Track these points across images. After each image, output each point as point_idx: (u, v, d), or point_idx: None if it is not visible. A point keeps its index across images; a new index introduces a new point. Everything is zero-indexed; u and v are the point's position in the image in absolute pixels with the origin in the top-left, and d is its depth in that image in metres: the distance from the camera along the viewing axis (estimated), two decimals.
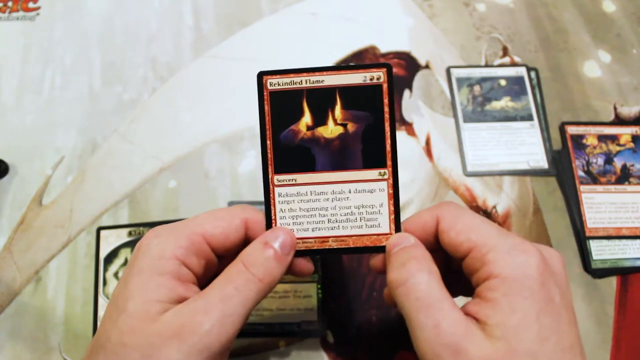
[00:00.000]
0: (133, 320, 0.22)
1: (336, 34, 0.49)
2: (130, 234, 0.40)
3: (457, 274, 0.25)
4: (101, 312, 0.37)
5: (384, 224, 0.26)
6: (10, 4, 0.51)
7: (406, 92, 0.46)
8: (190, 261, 0.24)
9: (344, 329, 0.37)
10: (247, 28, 0.49)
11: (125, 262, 0.38)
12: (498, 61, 0.48)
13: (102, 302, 0.38)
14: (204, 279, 0.26)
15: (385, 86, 0.25)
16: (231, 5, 0.51)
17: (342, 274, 0.39)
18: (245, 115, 0.45)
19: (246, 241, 0.26)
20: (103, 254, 0.39)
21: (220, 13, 0.50)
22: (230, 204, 0.41)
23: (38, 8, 0.50)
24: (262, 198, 0.41)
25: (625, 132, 0.44)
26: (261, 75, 0.26)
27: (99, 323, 0.37)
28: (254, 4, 0.51)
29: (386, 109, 0.25)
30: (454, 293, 0.24)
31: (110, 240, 0.39)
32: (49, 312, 0.37)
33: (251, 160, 0.43)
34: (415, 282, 0.23)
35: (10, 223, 0.40)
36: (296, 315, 0.37)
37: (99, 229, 0.40)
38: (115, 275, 0.38)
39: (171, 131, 0.44)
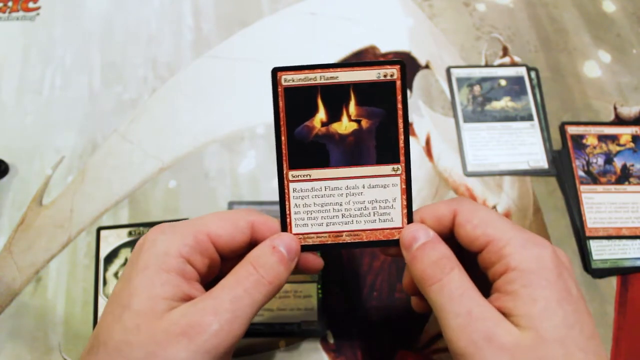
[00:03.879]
0: (138, 317, 0.22)
1: (336, 34, 0.49)
2: (130, 234, 0.40)
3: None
4: (101, 312, 0.37)
5: (397, 218, 0.26)
6: (10, 4, 0.51)
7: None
8: (195, 260, 0.24)
9: (344, 329, 0.37)
10: (247, 28, 0.49)
11: (125, 262, 0.38)
12: (498, 61, 0.48)
13: (102, 302, 0.38)
14: (207, 279, 0.26)
15: (398, 83, 0.26)
16: (231, 5, 0.51)
17: (342, 273, 0.39)
18: (245, 115, 0.45)
19: (251, 244, 0.26)
20: (103, 254, 0.39)
21: (220, 13, 0.50)
22: (230, 204, 0.41)
23: (38, 8, 0.50)
24: (262, 198, 0.42)
25: (625, 132, 0.44)
26: (275, 72, 0.26)
27: None
28: (254, 4, 0.51)
29: (399, 105, 0.26)
30: None
31: (110, 240, 0.39)
32: (49, 312, 0.37)
33: (251, 160, 0.43)
34: (450, 279, 0.23)
35: (10, 223, 0.40)
36: (296, 315, 0.37)
37: (99, 229, 0.40)
38: (116, 275, 0.38)
39: (171, 131, 0.44)
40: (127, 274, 0.24)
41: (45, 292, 0.38)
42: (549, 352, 0.21)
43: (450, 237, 0.26)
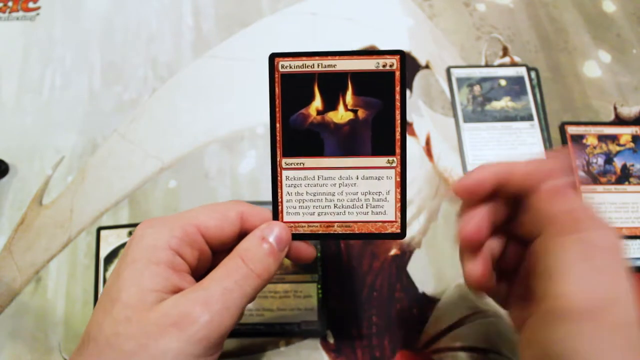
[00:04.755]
0: (128, 310, 0.22)
1: (336, 34, 0.49)
2: (130, 234, 0.40)
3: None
4: None
5: (390, 212, 0.26)
6: (10, 4, 0.51)
7: (406, 92, 0.46)
8: (184, 251, 0.24)
9: (344, 329, 0.37)
10: (247, 28, 0.49)
11: None
12: (498, 61, 0.48)
13: None
14: (197, 271, 0.26)
15: (397, 74, 0.25)
16: (231, 5, 0.51)
17: (342, 274, 0.39)
18: (245, 115, 0.45)
19: (240, 235, 0.26)
20: (103, 254, 0.39)
21: (220, 13, 0.50)
22: None
23: (38, 8, 0.50)
24: (262, 198, 0.42)
25: (625, 132, 0.44)
26: (273, 57, 0.25)
27: None
28: (254, 4, 0.51)
29: (397, 96, 0.25)
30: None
31: (110, 240, 0.39)
32: (49, 312, 0.37)
33: (251, 160, 0.43)
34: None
35: (10, 223, 0.40)
36: (296, 315, 0.37)
37: (99, 229, 0.40)
38: None
39: (171, 131, 0.44)
40: (117, 269, 0.24)
41: (45, 292, 0.38)
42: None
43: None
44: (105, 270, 0.38)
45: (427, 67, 0.48)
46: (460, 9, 0.51)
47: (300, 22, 0.50)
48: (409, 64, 0.47)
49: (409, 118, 0.45)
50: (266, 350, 0.36)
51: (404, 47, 0.49)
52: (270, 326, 0.37)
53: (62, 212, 0.41)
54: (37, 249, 0.39)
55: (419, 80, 0.47)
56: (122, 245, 0.39)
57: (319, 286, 0.38)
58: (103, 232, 0.40)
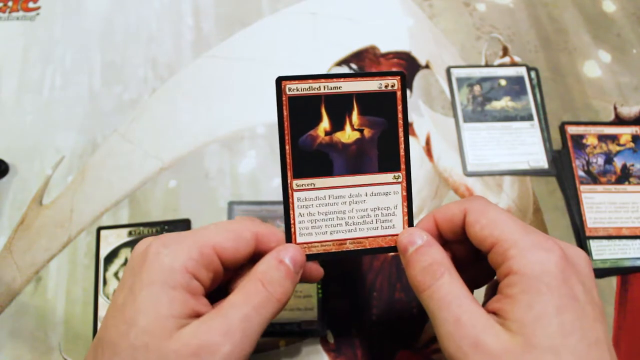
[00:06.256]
0: (146, 336, 0.21)
1: (336, 34, 0.49)
2: (130, 233, 0.40)
3: (484, 262, 0.26)
4: (101, 312, 0.37)
5: (398, 225, 0.27)
6: (10, 4, 0.51)
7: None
8: (201, 274, 0.24)
9: (344, 329, 0.37)
10: (247, 28, 0.49)
11: (126, 262, 0.38)
12: (498, 61, 0.48)
13: (102, 302, 0.38)
14: (209, 290, 0.26)
15: (399, 93, 0.26)
16: (231, 5, 0.51)
17: (342, 273, 0.39)
18: (245, 115, 0.45)
19: (254, 255, 0.26)
20: (103, 254, 0.39)
21: (220, 13, 0.50)
22: (230, 204, 0.41)
23: (38, 8, 0.50)
24: (262, 198, 0.42)
25: (625, 132, 0.44)
26: (280, 81, 0.26)
27: (99, 323, 0.37)
28: (254, 4, 0.51)
29: (400, 115, 0.26)
30: (482, 282, 0.26)
31: (111, 240, 0.39)
32: (49, 312, 0.37)
33: (251, 160, 0.43)
34: (439, 285, 0.23)
35: (10, 223, 0.40)
36: (296, 315, 0.37)
37: (99, 229, 0.40)
38: (116, 275, 0.38)
39: (171, 131, 0.44)
40: (131, 287, 0.23)
41: (45, 292, 0.38)
42: (538, 359, 0.20)
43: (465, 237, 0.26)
44: (105, 270, 0.38)
45: (427, 67, 0.48)
46: (460, 9, 0.51)
47: (300, 22, 0.50)
48: (409, 64, 0.48)
49: (409, 118, 0.45)
50: (266, 350, 0.36)
51: (404, 47, 0.49)
52: (270, 326, 0.36)
53: (62, 212, 0.41)
54: (37, 249, 0.39)
55: (419, 80, 0.47)
56: (123, 245, 0.39)
57: (319, 286, 0.38)
58: (103, 232, 0.40)
